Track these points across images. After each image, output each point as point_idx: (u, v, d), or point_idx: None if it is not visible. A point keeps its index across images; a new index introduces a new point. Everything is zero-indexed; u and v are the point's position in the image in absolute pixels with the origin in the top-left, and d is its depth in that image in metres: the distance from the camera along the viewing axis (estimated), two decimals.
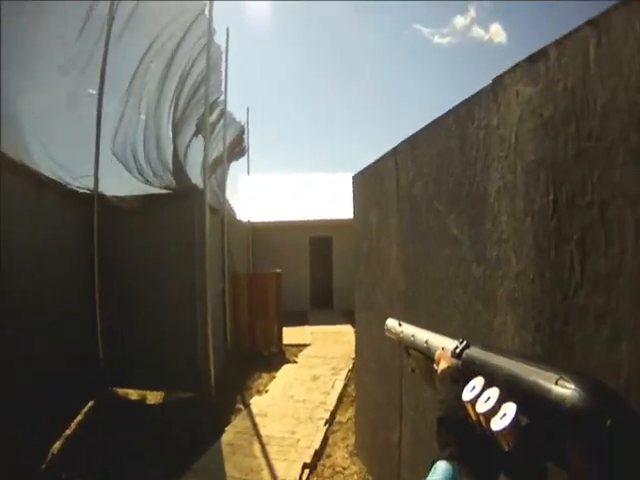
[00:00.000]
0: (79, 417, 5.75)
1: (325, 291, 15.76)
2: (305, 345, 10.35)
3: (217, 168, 9.87)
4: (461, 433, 0.74)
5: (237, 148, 12.46)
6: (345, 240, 15.10)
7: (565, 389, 0.57)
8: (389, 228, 3.63)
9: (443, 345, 0.96)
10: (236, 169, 15.39)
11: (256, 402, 6.58)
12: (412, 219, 3.12)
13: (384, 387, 3.98)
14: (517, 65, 1.88)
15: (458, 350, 0.88)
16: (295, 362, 8.91)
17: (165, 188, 6.90)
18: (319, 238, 15.61)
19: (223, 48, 9.32)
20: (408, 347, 1.16)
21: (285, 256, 14.23)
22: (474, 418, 0.71)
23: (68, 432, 5.30)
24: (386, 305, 3.77)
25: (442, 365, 0.91)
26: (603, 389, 0.57)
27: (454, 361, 0.88)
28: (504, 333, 2.01)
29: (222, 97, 9.73)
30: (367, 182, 4.35)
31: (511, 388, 0.66)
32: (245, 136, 13.94)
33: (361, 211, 4.59)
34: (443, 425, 0.78)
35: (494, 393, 0.67)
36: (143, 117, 6.98)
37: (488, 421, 0.65)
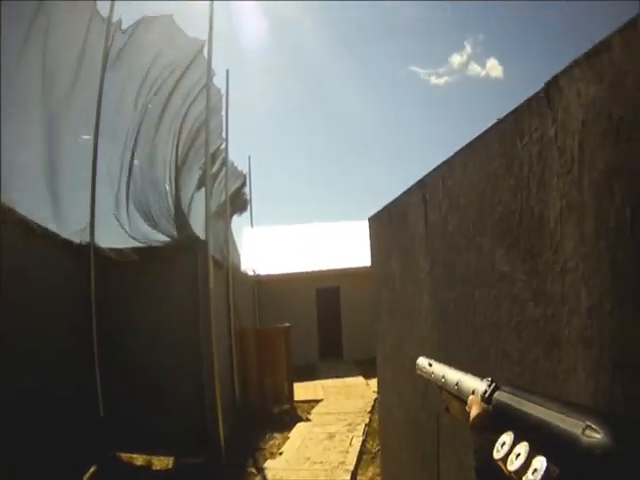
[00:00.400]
0: None
1: (334, 341, 15.41)
2: (317, 401, 9.87)
3: (219, 220, 9.70)
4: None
5: (239, 199, 12.35)
6: (353, 289, 15.02)
7: (592, 437, 0.56)
8: (417, 274, 3.30)
9: (473, 387, 0.95)
10: (239, 222, 15.17)
11: (270, 466, 6.12)
12: (447, 260, 2.79)
13: (416, 449, 3.61)
14: (575, 62, 1.62)
15: (487, 394, 0.87)
16: (309, 420, 8.42)
17: (166, 240, 6.68)
18: (326, 288, 15.37)
19: (223, 91, 9.19)
20: (441, 388, 1.15)
21: (292, 308, 13.98)
22: (507, 474, 0.67)
23: None
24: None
25: (473, 412, 0.89)
26: (633, 429, 0.58)
27: (485, 406, 0.87)
28: (573, 379, 1.71)
29: (223, 145, 9.62)
30: (386, 223, 4.06)
31: (539, 438, 0.65)
32: (247, 187, 13.85)
33: (380, 257, 4.29)
34: (480, 476, 0.78)
35: (524, 448, 0.66)
36: (137, 163, 6.81)
37: (520, 479, 0.63)
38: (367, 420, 7.98)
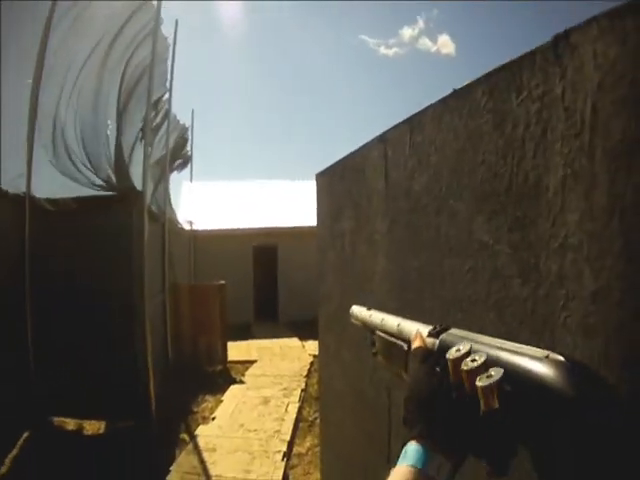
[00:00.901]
0: (14, 451, 5.14)
1: (270, 302, 15.16)
2: (251, 362, 9.62)
3: (159, 172, 9.16)
4: (429, 410, 0.69)
5: (181, 153, 11.77)
6: (292, 248, 14.77)
7: (552, 366, 0.56)
8: (373, 234, 3.00)
9: (417, 327, 0.88)
10: (180, 176, 14.45)
11: (203, 432, 5.83)
12: (410, 223, 2.47)
13: (364, 425, 3.42)
14: (593, 19, 1.34)
15: (437, 330, 0.82)
16: (242, 382, 8.16)
17: (102, 189, 6.15)
18: (263, 247, 15.00)
19: (171, 41, 8.54)
20: (375, 330, 1.09)
21: (228, 265, 13.60)
22: (453, 379, 0.67)
23: (4, 470, 4.71)
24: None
25: (415, 344, 0.83)
26: (590, 374, 0.60)
27: (430, 340, 0.81)
28: None
29: (166, 95, 9.01)
30: (339, 179, 3.72)
31: (497, 360, 0.62)
32: (189, 141, 13.20)
33: (328, 214, 3.98)
34: (411, 403, 0.72)
35: (481, 356, 0.63)
36: (76, 110, 6.21)
37: (472, 379, 0.61)
38: (303, 385, 7.82)
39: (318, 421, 6.24)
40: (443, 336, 0.78)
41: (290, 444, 5.53)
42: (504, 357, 0.62)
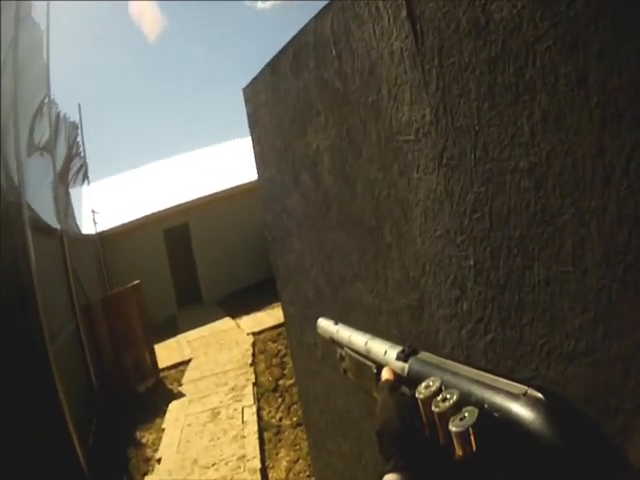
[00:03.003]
0: None
1: (191, 285, 14.17)
2: (186, 362, 8.66)
3: (49, 179, 7.77)
4: (403, 443, 0.66)
5: (73, 152, 10.23)
6: (203, 222, 13.91)
7: (529, 404, 0.52)
8: (394, 139, 1.80)
9: (385, 348, 0.84)
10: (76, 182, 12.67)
11: None
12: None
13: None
14: None
15: (405, 353, 0.78)
16: (181, 394, 7.15)
17: None
18: (174, 227, 13.92)
19: (44, 27, 7.22)
20: (342, 347, 1.04)
21: (140, 258, 12.66)
22: (425, 419, 0.63)
23: None
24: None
25: (384, 376, 0.79)
26: (572, 410, 0.55)
27: (399, 364, 0.77)
28: None
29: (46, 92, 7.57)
30: (290, 76, 2.59)
31: (470, 396, 0.59)
32: (80, 140, 11.56)
33: (277, 137, 2.91)
34: (383, 437, 0.69)
35: (453, 394, 0.59)
36: None
37: (445, 422, 0.57)
38: (253, 377, 6.91)
39: (286, 422, 5.43)
40: (411, 361, 0.75)
41: (263, 471, 4.62)
42: (479, 393, 0.58)
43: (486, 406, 0.55)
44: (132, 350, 7.86)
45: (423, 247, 1.67)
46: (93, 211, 12.36)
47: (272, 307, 10.16)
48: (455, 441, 0.55)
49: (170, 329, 11.09)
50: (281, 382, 6.52)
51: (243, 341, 8.85)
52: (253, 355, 7.92)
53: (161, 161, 18.97)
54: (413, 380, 0.69)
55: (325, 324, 1.21)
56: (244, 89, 3.20)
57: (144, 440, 5.94)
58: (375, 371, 0.86)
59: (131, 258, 12.61)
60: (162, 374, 8.15)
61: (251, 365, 7.48)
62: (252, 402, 6.10)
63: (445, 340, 1.66)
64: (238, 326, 10.05)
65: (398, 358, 0.78)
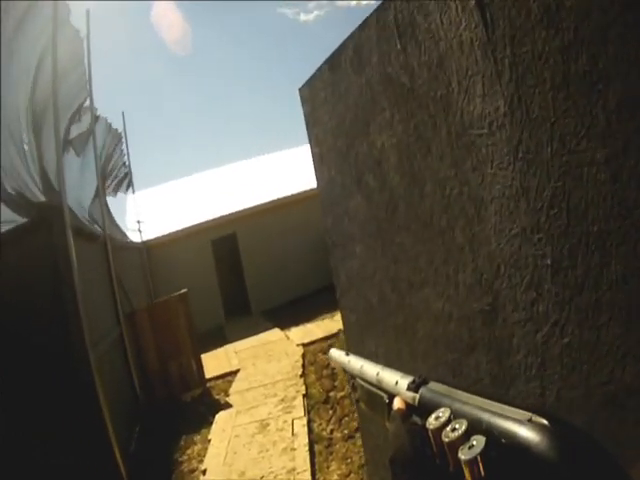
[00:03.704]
0: None
1: (239, 295, 13.96)
2: (234, 372, 8.35)
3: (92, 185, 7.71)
4: (414, 470, 0.66)
5: (117, 163, 10.25)
6: (251, 232, 13.84)
7: (535, 430, 0.52)
8: (466, 133, 1.75)
9: (396, 379, 0.85)
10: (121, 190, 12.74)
11: None
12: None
13: None
14: None
15: (416, 383, 0.78)
16: (229, 405, 6.84)
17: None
18: (222, 238, 13.76)
19: (83, 35, 7.19)
20: (355, 378, 1.04)
21: (188, 268, 12.51)
22: (435, 449, 0.62)
23: None
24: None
25: (395, 406, 0.79)
26: (577, 434, 0.54)
27: (410, 394, 0.77)
28: None
29: (88, 100, 7.54)
30: (350, 72, 2.49)
31: (478, 424, 0.59)
32: (124, 148, 11.60)
33: (337, 137, 2.76)
34: (395, 464, 0.69)
35: (462, 424, 0.59)
36: None
37: (454, 451, 0.57)
38: (303, 389, 6.56)
39: (337, 434, 5.05)
40: (422, 390, 0.76)
41: None
42: (486, 421, 0.59)
43: (494, 433, 0.56)
44: (178, 359, 7.63)
45: (498, 247, 1.60)
46: (139, 221, 12.32)
47: (322, 318, 10.02)
48: (464, 469, 0.55)
49: (217, 339, 10.87)
50: (332, 394, 6.15)
51: (292, 352, 8.51)
52: (303, 366, 7.56)
53: (210, 170, 19.06)
54: (424, 409, 0.71)
55: (337, 354, 1.21)
56: (301, 89, 3.08)
57: (189, 451, 5.65)
58: (387, 401, 0.88)
59: (178, 268, 12.53)
60: (209, 384, 7.88)
61: (301, 376, 7.12)
62: (302, 414, 5.74)
63: (519, 346, 1.59)
64: (287, 337, 9.73)
65: (409, 388, 0.80)
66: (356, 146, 2.50)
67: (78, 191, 6.75)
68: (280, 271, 13.49)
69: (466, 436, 0.57)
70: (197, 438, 5.88)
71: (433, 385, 0.75)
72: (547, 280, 1.40)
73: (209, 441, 5.68)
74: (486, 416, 0.59)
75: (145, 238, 12.62)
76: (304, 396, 6.27)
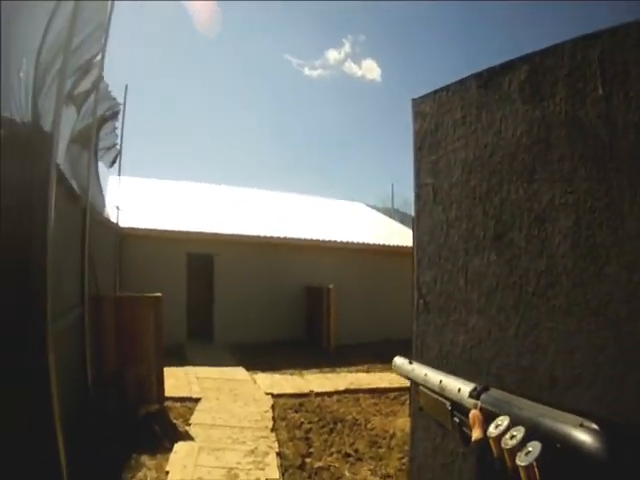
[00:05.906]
0: None
1: (205, 320, 12.96)
2: (194, 400, 7.21)
3: (82, 144, 6.80)
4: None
5: (108, 124, 9.46)
6: (231, 259, 12.92)
7: (586, 434, 0.57)
8: None
9: (459, 386, 0.91)
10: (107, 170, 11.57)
11: None
12: None
13: None
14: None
15: (477, 391, 0.85)
16: (189, 436, 5.65)
17: None
18: (199, 255, 12.90)
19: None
20: (418, 385, 1.11)
21: (158, 274, 11.51)
22: (496, 454, 0.69)
23: None
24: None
25: (475, 434, 0.79)
26: (625, 437, 0.58)
27: (472, 401, 0.85)
28: None
29: (99, 56, 6.79)
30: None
31: (534, 429, 0.64)
32: (120, 122, 10.78)
33: (467, 177, 2.32)
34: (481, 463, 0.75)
35: (520, 431, 0.65)
36: None
37: (513, 457, 0.63)
38: (275, 445, 5.60)
39: None
40: (483, 397, 0.82)
41: None
42: (541, 427, 0.63)
43: (548, 439, 0.59)
44: (138, 366, 6.45)
45: None
46: (117, 207, 11.22)
47: (291, 373, 9.72)
48: (522, 474, 0.59)
49: (177, 357, 9.78)
50: (308, 461, 5.28)
51: (260, 400, 7.53)
52: (274, 419, 6.65)
53: (210, 185, 19.02)
54: (486, 415, 0.77)
55: (400, 362, 1.23)
56: (416, 99, 2.68)
57: (140, 474, 4.53)
58: (449, 408, 0.92)
59: (150, 268, 11.67)
60: (167, 404, 6.80)
61: (272, 430, 6.21)
62: (277, 476, 4.78)
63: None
64: (254, 381, 8.78)
65: (471, 395, 0.86)
66: (505, 191, 2.08)
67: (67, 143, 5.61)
68: (251, 310, 12.88)
69: (523, 442, 0.61)
70: (150, 463, 4.87)
71: (493, 392, 0.81)
72: None
73: (166, 473, 4.66)
74: (541, 422, 0.63)
75: (122, 224, 11.40)
76: (277, 454, 5.38)
